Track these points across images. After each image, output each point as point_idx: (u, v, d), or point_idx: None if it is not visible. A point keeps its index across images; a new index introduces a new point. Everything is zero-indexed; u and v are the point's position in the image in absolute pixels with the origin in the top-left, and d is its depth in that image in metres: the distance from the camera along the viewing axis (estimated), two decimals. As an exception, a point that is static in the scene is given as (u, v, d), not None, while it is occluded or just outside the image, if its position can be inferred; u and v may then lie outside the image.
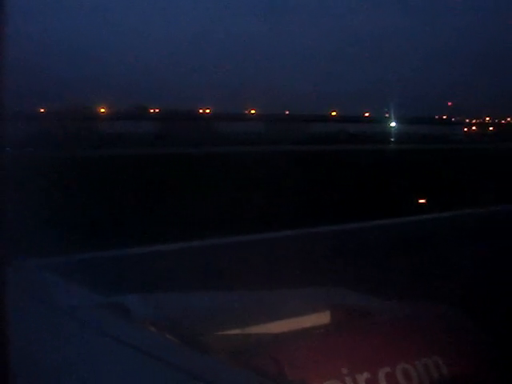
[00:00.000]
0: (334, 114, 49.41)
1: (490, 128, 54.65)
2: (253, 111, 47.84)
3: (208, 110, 47.79)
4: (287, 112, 49.86)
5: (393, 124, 48.32)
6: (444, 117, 53.62)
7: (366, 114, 51.01)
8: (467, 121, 54.83)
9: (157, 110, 46.58)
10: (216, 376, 1.82)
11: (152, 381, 1.81)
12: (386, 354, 2.32)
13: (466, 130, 54.72)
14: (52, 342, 2.02)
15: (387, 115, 48.25)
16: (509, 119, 53.75)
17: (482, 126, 54.76)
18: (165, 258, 4.70)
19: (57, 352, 1.95)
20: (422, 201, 13.25)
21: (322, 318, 2.63)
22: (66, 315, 2.26)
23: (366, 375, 2.19)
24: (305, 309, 2.65)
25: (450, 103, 51.99)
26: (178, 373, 1.82)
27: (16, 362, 1.51)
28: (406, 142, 42.52)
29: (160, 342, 2.22)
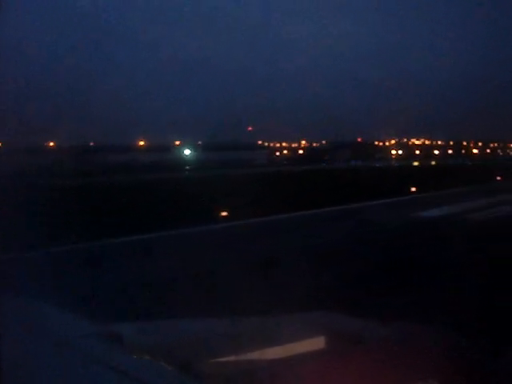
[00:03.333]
0: (141, 143, 47.90)
1: (300, 152, 55.71)
2: (51, 143, 44.09)
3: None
4: (92, 143, 47.05)
5: (187, 152, 47.62)
6: (260, 142, 53.73)
7: (177, 143, 49.87)
8: (280, 145, 55.41)
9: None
10: None
11: None
12: (382, 379, 2.31)
13: (277, 154, 55.11)
14: (48, 371, 2.00)
15: (200, 143, 48.02)
16: (324, 142, 55.55)
17: (294, 150, 55.89)
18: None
19: (53, 382, 1.94)
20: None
21: (316, 344, 2.63)
22: (62, 345, 2.25)
23: None
24: (299, 335, 2.65)
25: (249, 128, 51.70)
26: None
27: None
28: (193, 169, 40.51)
29: (155, 369, 2.21)
